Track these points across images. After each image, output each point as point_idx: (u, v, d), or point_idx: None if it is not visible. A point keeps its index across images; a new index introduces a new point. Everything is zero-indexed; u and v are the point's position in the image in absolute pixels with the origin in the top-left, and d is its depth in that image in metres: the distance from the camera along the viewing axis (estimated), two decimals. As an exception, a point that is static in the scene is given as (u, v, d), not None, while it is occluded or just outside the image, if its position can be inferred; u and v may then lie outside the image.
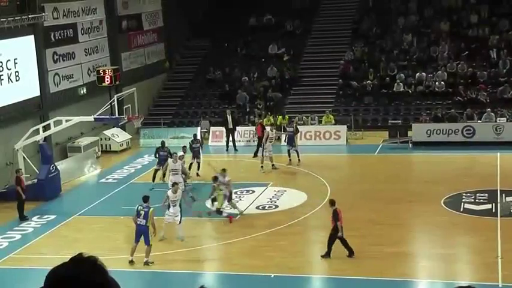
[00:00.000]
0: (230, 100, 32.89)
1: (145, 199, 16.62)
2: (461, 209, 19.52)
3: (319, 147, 28.02)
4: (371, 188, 22.10)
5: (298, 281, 15.66)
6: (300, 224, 19.04)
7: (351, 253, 16.16)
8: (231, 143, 28.33)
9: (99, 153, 28.48)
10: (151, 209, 16.28)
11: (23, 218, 20.65)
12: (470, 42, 32.85)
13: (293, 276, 15.70)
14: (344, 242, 16.15)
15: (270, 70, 33.67)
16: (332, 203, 16.61)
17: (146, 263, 16.39)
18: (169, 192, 18.12)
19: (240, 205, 21.00)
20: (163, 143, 24.22)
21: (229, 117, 28.71)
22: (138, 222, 16.27)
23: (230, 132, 28.43)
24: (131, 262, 16.43)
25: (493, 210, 19.23)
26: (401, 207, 20.09)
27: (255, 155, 26.28)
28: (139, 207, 16.39)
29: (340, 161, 27.07)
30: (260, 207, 20.79)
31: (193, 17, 37.90)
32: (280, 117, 30.05)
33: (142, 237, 16.36)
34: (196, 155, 24.47)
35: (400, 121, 29.35)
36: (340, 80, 32.54)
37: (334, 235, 16.15)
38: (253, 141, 28.26)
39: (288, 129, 26.35)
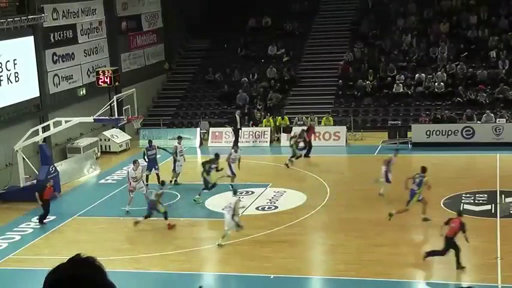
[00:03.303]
0: (229, 101, 32.91)
1: (424, 169, 18.43)
2: (461, 210, 19.49)
3: (318, 148, 27.98)
4: (370, 188, 22.07)
5: (297, 282, 15.67)
6: (300, 225, 19.04)
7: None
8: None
9: (99, 154, 28.48)
10: (426, 178, 18.22)
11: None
12: (469, 43, 32.88)
13: (293, 277, 15.70)
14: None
15: (270, 71, 33.69)
16: (460, 213, 16.03)
17: (425, 219, 18.28)
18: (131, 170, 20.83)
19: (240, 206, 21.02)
20: (150, 141, 24.03)
21: (238, 118, 28.82)
22: (411, 188, 18.36)
23: (237, 132, 28.44)
24: (390, 215, 18.21)
25: (493, 211, 19.24)
26: (400, 208, 20.05)
27: (307, 156, 26.10)
28: (416, 175, 18.42)
29: (339, 162, 27.07)
30: (260, 208, 20.79)
31: (193, 18, 37.91)
32: (279, 118, 30.08)
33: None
34: (153, 165, 23.10)
35: (399, 122, 29.35)
36: (340, 81, 32.57)
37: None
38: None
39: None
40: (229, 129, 29.90)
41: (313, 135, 27.07)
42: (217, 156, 22.10)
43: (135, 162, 21.40)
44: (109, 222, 20.32)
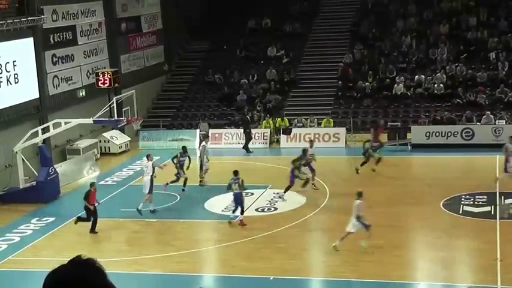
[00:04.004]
0: (229, 102, 32.93)
1: None
2: (461, 211, 19.52)
3: (318, 149, 27.89)
4: (370, 190, 22.00)
5: (297, 284, 15.66)
6: (299, 226, 19.03)
7: None
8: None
9: (98, 155, 28.48)
10: None
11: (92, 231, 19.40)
12: (469, 45, 32.90)
13: (292, 278, 15.70)
14: None
15: (269, 72, 33.70)
16: None
17: None
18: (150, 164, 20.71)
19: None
20: (185, 148, 23.59)
21: (249, 119, 28.85)
22: None
23: (250, 134, 28.43)
24: None
25: (492, 213, 19.23)
26: (400, 210, 20.09)
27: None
28: None
29: (339, 163, 27.05)
30: (259, 210, 20.77)
31: (192, 20, 37.92)
32: (279, 119, 30.08)
33: None
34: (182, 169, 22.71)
35: (399, 123, 29.36)
36: (340, 82, 32.57)
37: None
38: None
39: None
40: (230, 130, 29.95)
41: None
42: (305, 151, 22.22)
43: (148, 156, 21.42)
44: (108, 223, 20.28)
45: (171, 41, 36.27)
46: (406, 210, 20.10)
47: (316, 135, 28.86)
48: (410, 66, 32.75)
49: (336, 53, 34.55)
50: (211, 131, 30.17)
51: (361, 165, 23.95)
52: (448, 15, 34.62)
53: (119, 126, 26.63)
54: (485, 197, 20.60)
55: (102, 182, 25.22)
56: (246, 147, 28.22)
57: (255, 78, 33.84)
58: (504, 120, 27.73)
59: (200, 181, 23.17)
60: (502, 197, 20.45)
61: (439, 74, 31.53)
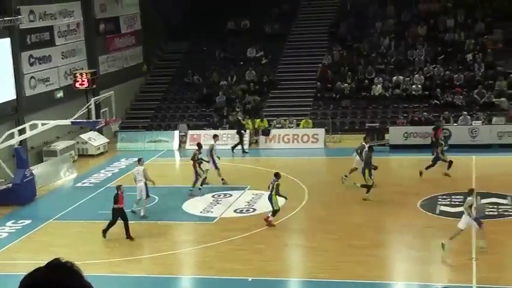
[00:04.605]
0: (208, 103, 32.89)
1: None
2: (437, 211, 19.70)
3: (296, 150, 28.10)
4: (348, 190, 22.17)
5: (275, 285, 15.68)
6: (278, 228, 19.05)
7: None
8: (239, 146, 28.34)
9: (76, 157, 28.25)
10: None
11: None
12: (446, 46, 33.23)
13: (271, 279, 15.71)
14: None
15: (249, 73, 33.72)
16: None
17: None
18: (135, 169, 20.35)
19: (218, 209, 20.97)
20: (200, 144, 23.59)
21: (241, 120, 28.83)
22: None
23: (242, 135, 28.42)
24: None
25: (469, 213, 19.39)
26: (378, 210, 20.20)
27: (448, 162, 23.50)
28: None
29: (318, 164, 27.16)
30: (238, 211, 20.76)
31: (172, 21, 37.81)
32: (258, 120, 30.11)
33: None
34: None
35: (377, 124, 29.54)
36: (318, 83, 32.69)
37: None
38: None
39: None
40: (208, 131, 29.88)
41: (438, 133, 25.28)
42: (370, 148, 21.94)
43: (140, 160, 20.76)
44: (86, 226, 20.14)
45: (150, 42, 36.12)
46: (384, 210, 20.22)
47: (295, 136, 28.95)
48: (388, 67, 32.98)
49: (315, 54, 34.68)
50: (190, 132, 30.09)
51: (427, 168, 23.10)
52: (426, 17, 34.93)
53: (97, 127, 26.48)
54: (462, 197, 20.74)
55: (79, 184, 25.05)
56: (242, 148, 28.21)
57: (234, 79, 33.84)
58: (480, 121, 28.04)
59: (222, 179, 23.06)
60: (478, 197, 20.66)
61: (417, 75, 31.79)
